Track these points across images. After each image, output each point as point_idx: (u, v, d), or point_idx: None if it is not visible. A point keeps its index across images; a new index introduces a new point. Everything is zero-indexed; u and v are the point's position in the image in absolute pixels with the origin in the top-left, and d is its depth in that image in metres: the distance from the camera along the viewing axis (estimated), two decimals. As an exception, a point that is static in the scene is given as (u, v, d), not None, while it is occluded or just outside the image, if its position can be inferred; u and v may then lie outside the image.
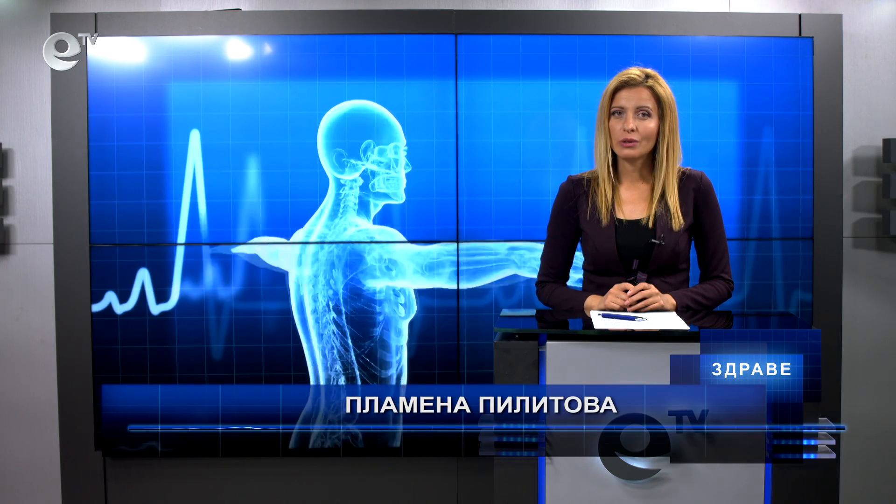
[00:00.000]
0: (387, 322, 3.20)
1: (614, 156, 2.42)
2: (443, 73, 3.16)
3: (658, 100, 2.36)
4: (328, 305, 3.19)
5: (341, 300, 3.19)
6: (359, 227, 3.18)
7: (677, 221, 2.38)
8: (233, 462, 3.29)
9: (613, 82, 2.38)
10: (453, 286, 3.18)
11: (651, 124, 2.36)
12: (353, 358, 3.20)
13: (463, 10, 3.19)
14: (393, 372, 3.22)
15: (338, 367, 3.20)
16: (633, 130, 2.34)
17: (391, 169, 3.16)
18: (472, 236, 3.18)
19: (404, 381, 3.21)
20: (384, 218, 3.18)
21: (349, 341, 3.19)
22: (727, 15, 3.20)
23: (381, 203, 3.18)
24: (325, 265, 3.18)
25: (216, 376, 3.17)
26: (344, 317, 3.19)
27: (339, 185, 3.17)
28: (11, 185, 3.30)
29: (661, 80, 2.38)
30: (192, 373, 3.17)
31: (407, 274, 3.19)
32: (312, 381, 3.19)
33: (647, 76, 2.37)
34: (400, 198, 3.17)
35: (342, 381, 3.20)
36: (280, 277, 3.18)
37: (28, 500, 3.36)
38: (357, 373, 3.20)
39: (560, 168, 3.16)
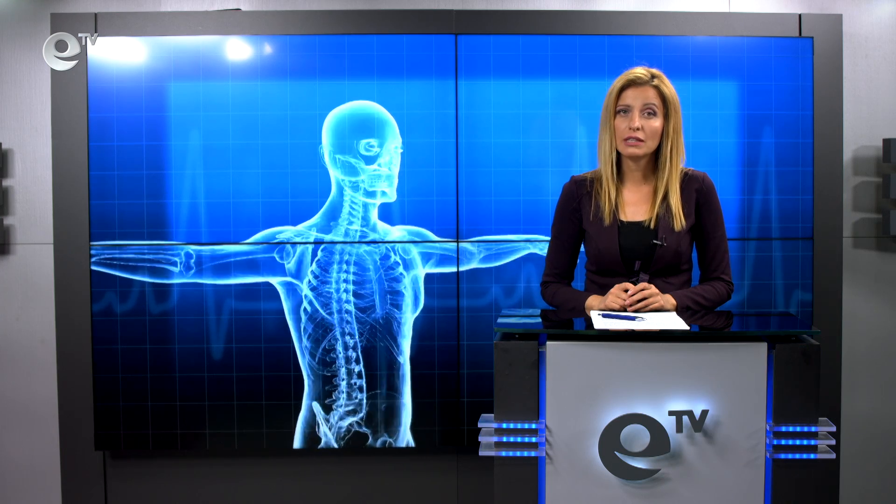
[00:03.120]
0: (387, 322, 3.19)
1: (618, 156, 2.42)
2: (443, 73, 3.16)
3: (663, 99, 2.37)
4: (325, 305, 3.18)
5: (340, 300, 3.18)
6: (357, 226, 3.18)
7: (679, 222, 2.38)
8: (234, 462, 3.29)
9: (619, 81, 2.39)
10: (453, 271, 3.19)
11: (656, 123, 2.36)
12: (351, 358, 3.20)
13: (463, 10, 3.19)
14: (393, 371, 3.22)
15: (334, 366, 3.20)
16: (638, 129, 2.35)
17: (389, 168, 3.16)
18: (472, 236, 3.18)
19: (405, 380, 3.21)
20: (382, 217, 3.18)
21: (347, 340, 3.19)
22: (727, 15, 3.20)
23: (378, 202, 3.18)
24: (325, 265, 3.18)
25: (216, 376, 3.17)
26: (343, 316, 3.19)
27: (340, 185, 3.17)
28: (11, 185, 3.30)
29: (666, 80, 2.39)
30: (192, 373, 3.17)
31: (409, 272, 3.18)
32: (306, 381, 3.19)
33: (653, 76, 2.38)
34: (391, 196, 3.17)
35: (341, 380, 3.20)
36: (279, 278, 3.18)
37: (28, 500, 3.36)
38: (355, 371, 3.20)
39: (560, 168, 3.16)
